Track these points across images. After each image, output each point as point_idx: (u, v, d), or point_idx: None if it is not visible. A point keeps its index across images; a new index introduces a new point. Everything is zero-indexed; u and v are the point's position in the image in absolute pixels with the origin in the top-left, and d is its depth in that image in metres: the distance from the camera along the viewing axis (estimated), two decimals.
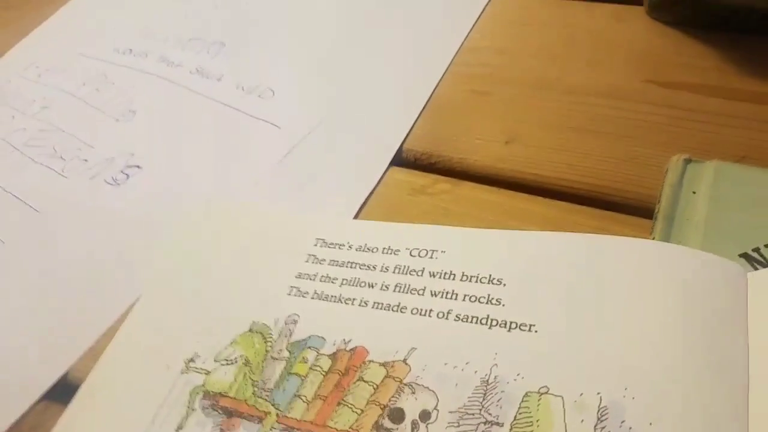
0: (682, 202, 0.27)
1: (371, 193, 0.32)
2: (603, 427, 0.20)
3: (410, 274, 0.26)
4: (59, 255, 0.32)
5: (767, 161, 0.29)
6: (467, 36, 0.39)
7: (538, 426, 0.20)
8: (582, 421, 0.20)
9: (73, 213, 0.34)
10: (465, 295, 0.24)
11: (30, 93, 0.43)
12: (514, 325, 0.23)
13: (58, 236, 0.33)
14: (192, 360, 0.25)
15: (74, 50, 0.47)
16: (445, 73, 0.38)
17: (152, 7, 0.50)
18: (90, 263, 0.32)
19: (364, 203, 0.32)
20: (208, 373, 0.25)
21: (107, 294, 0.30)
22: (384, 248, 0.27)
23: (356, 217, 0.31)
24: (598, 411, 0.20)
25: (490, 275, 0.25)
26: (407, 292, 0.25)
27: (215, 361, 0.25)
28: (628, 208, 0.29)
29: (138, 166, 0.36)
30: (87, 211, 0.34)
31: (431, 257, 0.26)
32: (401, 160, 0.34)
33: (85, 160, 0.37)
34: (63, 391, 0.27)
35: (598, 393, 0.20)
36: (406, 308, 0.25)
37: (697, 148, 0.30)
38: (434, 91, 0.37)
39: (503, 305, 0.24)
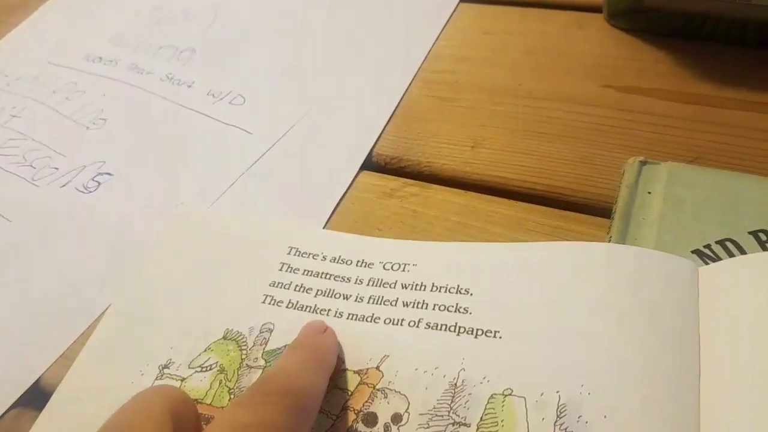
0: (638, 201, 0.28)
1: (343, 197, 0.33)
2: (562, 424, 0.21)
3: (383, 286, 0.27)
4: (31, 263, 0.32)
5: (718, 162, 0.30)
6: (433, 44, 0.41)
7: (502, 425, 0.21)
8: (543, 419, 0.21)
9: (44, 221, 0.34)
10: (435, 305, 0.25)
11: None
12: (480, 332, 0.24)
13: (29, 245, 0.33)
14: (166, 366, 0.26)
15: (43, 59, 0.46)
16: (412, 80, 0.39)
17: (122, 15, 0.50)
18: (62, 270, 0.32)
19: (336, 206, 0.32)
20: (183, 379, 0.25)
21: (80, 301, 0.30)
22: (358, 261, 0.28)
23: (329, 220, 0.32)
24: (558, 408, 0.21)
25: (458, 285, 0.26)
26: (381, 304, 0.26)
27: (190, 367, 0.25)
28: (586, 207, 0.30)
29: (109, 174, 0.36)
30: (58, 219, 0.34)
31: (403, 270, 0.27)
32: (371, 165, 0.34)
33: (56, 168, 0.38)
34: (36, 397, 0.27)
35: (557, 392, 0.22)
36: (380, 318, 0.26)
37: (652, 150, 0.32)
38: (402, 97, 0.38)
39: (470, 313, 0.25)
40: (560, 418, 0.21)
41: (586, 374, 0.22)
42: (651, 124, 0.33)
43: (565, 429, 0.21)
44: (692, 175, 0.28)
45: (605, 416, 0.21)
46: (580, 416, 0.21)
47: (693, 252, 0.26)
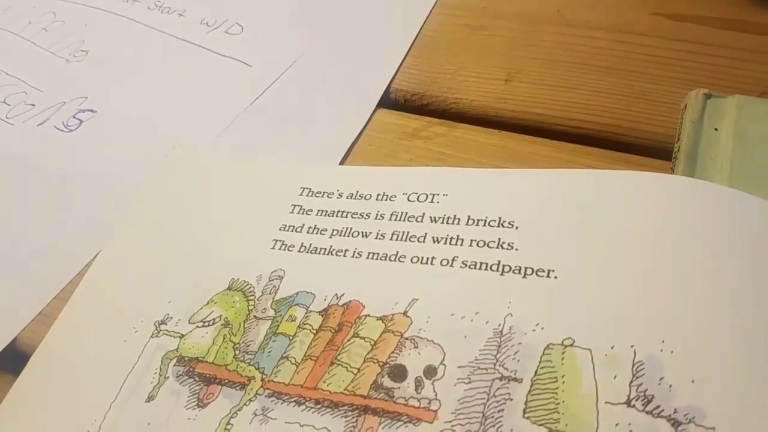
0: (703, 140, 0.24)
1: (357, 138, 0.29)
2: (639, 385, 0.17)
3: (408, 220, 0.23)
4: (5, 210, 0.29)
5: None
6: None
7: (564, 382, 0.18)
8: (615, 377, 0.18)
9: (20, 163, 0.30)
10: (472, 240, 0.22)
11: None
12: (530, 271, 0.20)
13: (3, 189, 0.29)
14: (164, 322, 0.22)
15: None
16: (434, 5, 0.34)
17: None
18: (40, 217, 0.28)
19: (350, 149, 0.28)
20: (182, 336, 0.22)
21: (60, 252, 0.26)
22: (378, 194, 0.24)
23: (342, 164, 0.28)
24: (633, 366, 0.18)
25: (500, 218, 0.22)
26: (406, 240, 0.23)
27: (190, 323, 0.22)
28: (642, 148, 0.26)
29: (92, 110, 0.32)
30: (36, 160, 0.30)
31: (432, 201, 0.23)
32: (389, 102, 0.31)
33: (33, 105, 0.33)
34: (12, 360, 0.23)
35: (632, 346, 0.18)
36: (405, 257, 0.22)
37: (712, 83, 0.28)
38: (423, 25, 0.33)
39: (516, 249, 0.21)
40: (636, 377, 0.17)
41: (668, 328, 0.18)
42: (709, 56, 0.29)
43: (644, 392, 0.17)
44: (765, 109, 0.25)
45: (693, 381, 0.17)
46: (662, 378, 0.17)
47: None
